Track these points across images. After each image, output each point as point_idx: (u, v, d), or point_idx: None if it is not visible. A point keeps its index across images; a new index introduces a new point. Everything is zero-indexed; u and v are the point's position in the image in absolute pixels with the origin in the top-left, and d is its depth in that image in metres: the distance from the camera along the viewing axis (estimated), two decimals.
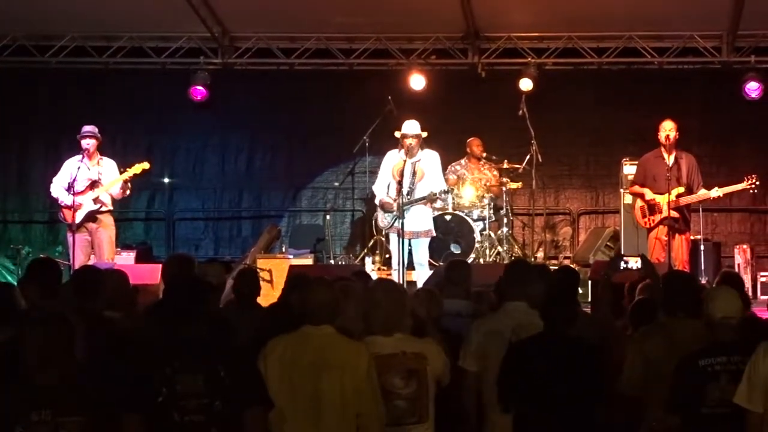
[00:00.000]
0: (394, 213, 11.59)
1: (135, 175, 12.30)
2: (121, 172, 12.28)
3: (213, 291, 6.49)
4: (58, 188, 12.26)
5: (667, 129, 11.82)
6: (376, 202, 12.07)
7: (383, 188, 11.92)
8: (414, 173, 11.74)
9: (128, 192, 12.47)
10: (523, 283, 6.52)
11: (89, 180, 12.16)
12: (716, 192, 11.82)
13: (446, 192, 12.12)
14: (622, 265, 10.36)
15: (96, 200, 12.14)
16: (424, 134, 11.81)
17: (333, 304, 5.50)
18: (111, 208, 12.36)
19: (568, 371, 5.64)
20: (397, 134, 11.87)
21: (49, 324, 4.77)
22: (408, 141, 11.71)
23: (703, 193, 11.81)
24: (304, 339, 5.44)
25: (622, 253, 12.83)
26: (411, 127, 11.81)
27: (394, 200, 11.65)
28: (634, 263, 10.39)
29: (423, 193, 11.75)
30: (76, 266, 11.37)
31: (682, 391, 5.51)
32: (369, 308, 5.76)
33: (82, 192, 12.09)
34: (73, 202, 11.94)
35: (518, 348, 5.84)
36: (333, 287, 5.64)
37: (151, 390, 4.84)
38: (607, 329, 6.97)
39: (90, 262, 11.56)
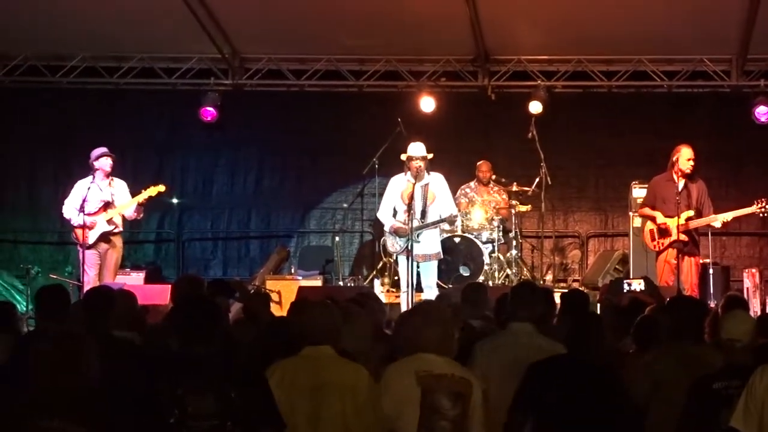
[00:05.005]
0: (408, 237, 11.56)
1: (150, 197, 12.35)
2: (134, 194, 12.33)
3: None
4: (70, 209, 12.29)
5: (691, 157, 11.76)
6: (386, 228, 12.05)
7: (388, 214, 11.93)
8: (425, 196, 11.74)
9: (141, 215, 12.53)
10: (529, 305, 6.52)
11: (102, 201, 12.19)
12: (723, 217, 11.79)
13: (456, 216, 12.24)
14: (626, 287, 10.37)
15: (110, 221, 12.18)
16: (430, 156, 11.83)
17: (332, 326, 5.45)
18: (122, 229, 12.41)
19: (591, 397, 5.52)
20: (403, 157, 11.89)
21: (58, 342, 4.77)
22: (415, 163, 11.72)
23: (712, 217, 11.78)
24: (303, 362, 5.38)
25: (631, 276, 12.81)
26: (418, 149, 11.81)
27: (404, 224, 11.63)
28: (638, 285, 10.40)
29: (435, 216, 11.77)
30: (87, 285, 11.40)
31: (695, 414, 5.49)
32: (424, 325, 5.58)
33: (95, 213, 12.13)
34: (85, 222, 11.96)
35: (537, 370, 5.68)
36: (332, 309, 5.60)
37: (162, 411, 4.81)
38: (609, 352, 6.95)
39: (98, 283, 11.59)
